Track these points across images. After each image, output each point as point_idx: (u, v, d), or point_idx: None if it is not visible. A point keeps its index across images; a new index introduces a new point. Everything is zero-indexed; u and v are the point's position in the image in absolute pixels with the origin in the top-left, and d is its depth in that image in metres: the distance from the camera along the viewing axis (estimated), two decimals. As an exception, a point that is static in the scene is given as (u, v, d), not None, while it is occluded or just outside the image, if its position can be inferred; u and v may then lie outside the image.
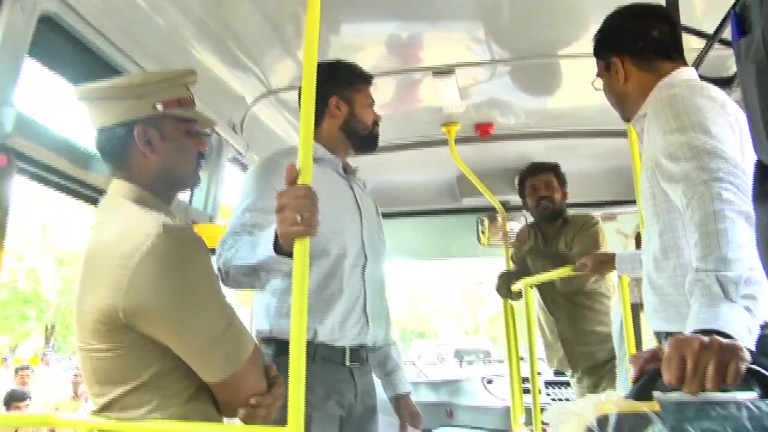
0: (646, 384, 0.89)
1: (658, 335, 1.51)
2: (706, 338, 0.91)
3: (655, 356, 0.95)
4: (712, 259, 1.08)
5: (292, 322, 1.08)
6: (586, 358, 2.89)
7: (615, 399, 0.86)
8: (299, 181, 1.19)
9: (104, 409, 1.16)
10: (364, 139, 1.91)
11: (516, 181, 3.21)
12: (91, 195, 1.66)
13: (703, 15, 1.83)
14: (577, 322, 2.91)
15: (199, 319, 1.13)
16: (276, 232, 1.30)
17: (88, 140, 1.38)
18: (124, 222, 1.17)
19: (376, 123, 1.92)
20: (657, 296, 1.47)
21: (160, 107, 1.27)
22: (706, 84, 1.44)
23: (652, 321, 1.51)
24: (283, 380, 1.14)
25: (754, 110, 0.59)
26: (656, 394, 0.88)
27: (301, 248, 1.14)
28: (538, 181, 3.01)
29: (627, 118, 1.65)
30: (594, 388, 2.85)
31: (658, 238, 1.46)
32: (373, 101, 1.94)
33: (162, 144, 1.28)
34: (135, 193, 1.25)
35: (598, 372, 2.86)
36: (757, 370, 0.89)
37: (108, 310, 1.10)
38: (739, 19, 0.63)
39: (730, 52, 1.82)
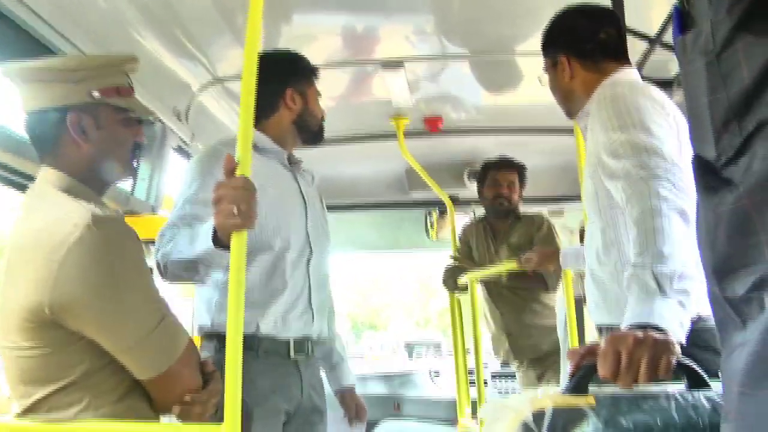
0: (582, 379, 0.91)
1: (600, 328, 1.55)
2: (640, 334, 0.94)
3: (591, 351, 0.97)
4: (648, 254, 1.12)
5: (229, 316, 1.05)
6: (530, 350, 2.93)
7: (551, 394, 0.87)
8: (237, 173, 1.15)
9: (30, 410, 1.10)
10: (316, 134, 1.89)
11: (466, 173, 3.22)
12: (19, 181, 1.57)
13: (645, 18, 1.87)
14: (521, 315, 2.95)
15: (129, 314, 1.09)
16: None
17: (14, 122, 1.30)
18: (51, 212, 1.11)
19: (323, 117, 1.90)
20: (599, 290, 1.50)
21: (96, 95, 1.20)
22: (647, 84, 1.48)
23: (594, 314, 1.55)
24: (223, 375, 1.11)
25: (699, 104, 0.59)
26: (592, 388, 0.90)
27: (238, 241, 1.11)
28: (502, 177, 2.96)
29: (571, 115, 1.68)
30: (539, 380, 2.90)
31: (600, 233, 1.49)
32: (320, 95, 1.91)
33: (96, 133, 1.21)
34: (64, 182, 1.18)
35: (543, 363, 2.91)
36: (686, 364, 0.93)
37: (33, 306, 1.05)
38: (680, 15, 0.64)
39: (671, 55, 1.87)
